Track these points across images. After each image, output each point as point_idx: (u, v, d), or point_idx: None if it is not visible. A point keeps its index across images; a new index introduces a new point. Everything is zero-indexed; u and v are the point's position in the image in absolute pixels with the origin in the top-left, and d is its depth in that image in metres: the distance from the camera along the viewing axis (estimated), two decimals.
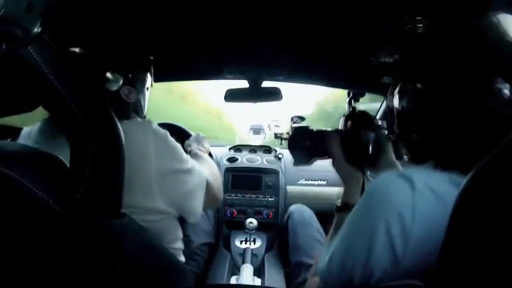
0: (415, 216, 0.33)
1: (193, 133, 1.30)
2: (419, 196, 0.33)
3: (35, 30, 0.26)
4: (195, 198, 0.63)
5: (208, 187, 0.67)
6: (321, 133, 0.71)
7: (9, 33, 0.24)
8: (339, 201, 0.64)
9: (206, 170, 0.71)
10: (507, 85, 0.34)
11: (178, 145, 0.63)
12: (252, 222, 1.25)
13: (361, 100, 1.35)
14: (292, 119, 1.71)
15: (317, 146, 0.70)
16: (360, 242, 0.37)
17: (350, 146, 0.64)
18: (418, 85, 0.43)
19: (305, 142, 0.72)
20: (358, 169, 0.64)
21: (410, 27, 0.43)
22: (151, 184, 0.56)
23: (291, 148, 0.74)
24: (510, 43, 0.34)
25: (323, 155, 0.69)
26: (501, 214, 0.22)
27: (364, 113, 0.66)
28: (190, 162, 0.65)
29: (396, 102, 0.49)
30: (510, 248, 0.21)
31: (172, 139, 0.62)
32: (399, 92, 0.48)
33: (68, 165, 0.44)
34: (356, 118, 0.65)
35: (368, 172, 0.67)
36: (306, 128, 0.74)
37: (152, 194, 0.56)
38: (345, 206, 0.61)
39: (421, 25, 0.42)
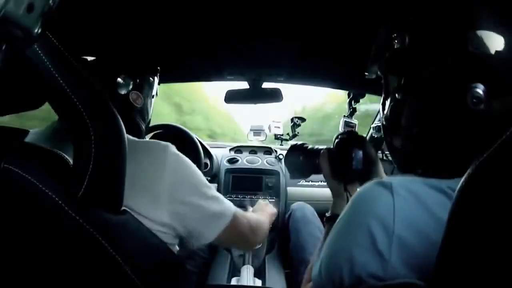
0: (395, 217, 0.34)
1: (194, 135, 1.31)
2: (399, 199, 0.35)
3: (36, 30, 0.27)
4: (210, 226, 0.60)
5: (236, 223, 0.63)
6: (313, 150, 0.76)
7: (9, 33, 0.25)
8: (329, 212, 0.69)
9: (253, 215, 0.70)
10: (486, 92, 0.35)
11: (198, 171, 0.61)
12: None
13: (361, 101, 1.35)
14: (292, 120, 1.71)
15: (310, 162, 0.75)
16: (343, 248, 0.38)
17: (335, 162, 0.69)
18: (399, 96, 0.44)
19: (299, 158, 0.77)
20: (341, 184, 0.68)
21: (392, 41, 0.45)
22: (159, 200, 0.54)
23: (286, 163, 0.81)
24: (495, 58, 0.35)
25: (316, 170, 0.74)
26: (499, 212, 0.22)
27: (351, 133, 0.71)
28: (213, 191, 0.62)
29: (380, 113, 0.50)
30: (510, 246, 0.21)
31: (192, 165, 0.60)
32: (382, 104, 0.49)
33: (71, 162, 0.44)
34: (342, 137, 0.69)
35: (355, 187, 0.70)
36: (300, 146, 0.80)
37: (159, 208, 0.54)
38: (334, 217, 0.65)
39: (401, 39, 0.43)
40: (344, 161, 0.66)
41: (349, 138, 0.68)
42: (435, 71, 0.38)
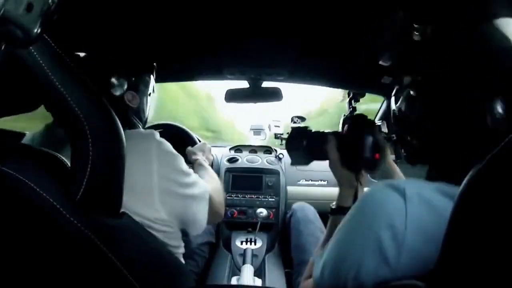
0: (407, 226, 0.33)
1: (195, 135, 1.31)
2: (411, 205, 0.34)
3: (35, 30, 0.26)
4: (198, 210, 0.62)
5: (211, 201, 0.66)
6: (319, 134, 0.70)
7: (9, 33, 0.24)
8: (334, 203, 0.65)
9: (209, 183, 0.70)
10: (507, 111, 0.34)
11: (180, 158, 0.62)
12: (262, 212, 1.38)
13: (361, 100, 1.35)
14: (292, 119, 1.71)
15: (314, 147, 0.69)
16: (351, 254, 0.37)
17: (346, 149, 0.63)
18: (415, 92, 0.43)
19: (302, 143, 0.71)
20: (352, 173, 0.63)
21: (411, 33, 0.42)
22: (153, 195, 0.56)
23: (288, 148, 0.74)
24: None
25: (320, 156, 0.68)
26: (499, 215, 0.22)
27: (362, 116, 0.65)
28: (193, 176, 0.64)
29: (393, 105, 0.49)
30: (509, 248, 0.21)
31: (175, 152, 0.62)
32: (396, 95, 0.48)
33: (69, 165, 0.44)
34: (353, 121, 0.64)
35: (367, 176, 0.65)
36: (304, 129, 0.74)
37: (154, 205, 0.56)
38: (340, 209, 0.63)
39: (421, 31, 0.41)
40: (355, 148, 0.60)
41: (360, 122, 0.62)
42: (456, 73, 0.37)
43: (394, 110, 0.49)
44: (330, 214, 0.65)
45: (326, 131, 0.70)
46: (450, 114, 0.38)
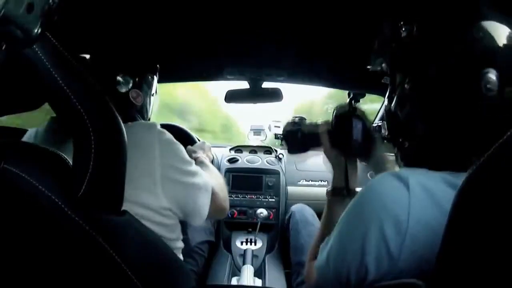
0: (410, 216, 0.33)
1: (194, 135, 1.31)
2: (414, 197, 0.34)
3: (36, 30, 0.27)
4: (200, 199, 0.63)
5: (214, 196, 0.67)
6: (313, 124, 0.75)
7: (9, 33, 0.24)
8: (330, 185, 0.68)
9: (213, 179, 0.71)
10: (499, 77, 0.34)
11: (182, 148, 0.64)
12: (262, 212, 1.37)
13: (361, 100, 1.35)
14: (292, 119, 1.71)
15: (309, 135, 0.74)
16: (354, 243, 0.37)
17: (336, 131, 0.68)
18: (407, 90, 0.43)
19: (297, 132, 0.76)
20: (341, 154, 0.67)
21: (399, 33, 0.44)
22: (156, 183, 0.57)
23: (285, 136, 0.79)
24: (499, 49, 0.35)
25: (315, 144, 0.73)
26: (499, 212, 0.22)
27: (352, 105, 0.69)
28: (195, 166, 0.65)
29: (386, 107, 0.49)
30: (509, 246, 0.21)
31: (176, 142, 0.63)
32: (388, 97, 0.48)
33: (71, 163, 0.44)
34: (340, 108, 0.69)
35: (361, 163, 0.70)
36: (300, 119, 0.79)
37: (156, 193, 0.57)
38: (336, 190, 0.66)
39: (408, 30, 0.42)
40: (344, 130, 0.65)
41: (349, 109, 0.67)
42: (445, 61, 0.38)
43: (386, 111, 0.49)
44: (328, 196, 0.68)
45: (319, 121, 0.74)
46: (442, 112, 0.39)
